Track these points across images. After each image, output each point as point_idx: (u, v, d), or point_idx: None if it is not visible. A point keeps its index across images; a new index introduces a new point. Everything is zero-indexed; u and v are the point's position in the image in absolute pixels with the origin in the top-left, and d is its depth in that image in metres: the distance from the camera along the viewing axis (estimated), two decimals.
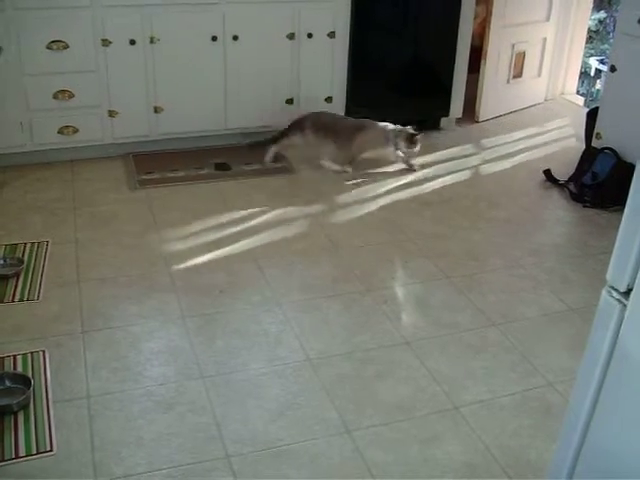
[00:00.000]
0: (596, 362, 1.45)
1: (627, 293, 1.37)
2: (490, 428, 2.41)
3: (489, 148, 4.80)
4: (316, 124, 4.30)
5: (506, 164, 4.54)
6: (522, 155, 4.69)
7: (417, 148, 4.29)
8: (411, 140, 4.25)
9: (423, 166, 4.41)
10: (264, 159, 4.37)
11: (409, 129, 4.27)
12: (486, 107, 5.22)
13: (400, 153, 4.33)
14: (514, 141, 4.90)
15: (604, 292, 1.42)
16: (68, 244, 3.43)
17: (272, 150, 4.37)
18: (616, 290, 1.39)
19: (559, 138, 5.01)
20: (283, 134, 4.35)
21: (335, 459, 2.27)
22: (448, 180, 4.28)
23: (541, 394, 2.58)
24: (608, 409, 1.46)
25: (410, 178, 4.29)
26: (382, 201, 3.99)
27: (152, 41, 4.13)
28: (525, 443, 2.35)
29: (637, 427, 1.39)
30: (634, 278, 1.34)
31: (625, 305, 1.37)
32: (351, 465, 2.25)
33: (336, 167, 4.33)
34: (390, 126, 4.32)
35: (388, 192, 4.11)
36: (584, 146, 4.40)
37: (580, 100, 5.82)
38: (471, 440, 2.36)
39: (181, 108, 4.35)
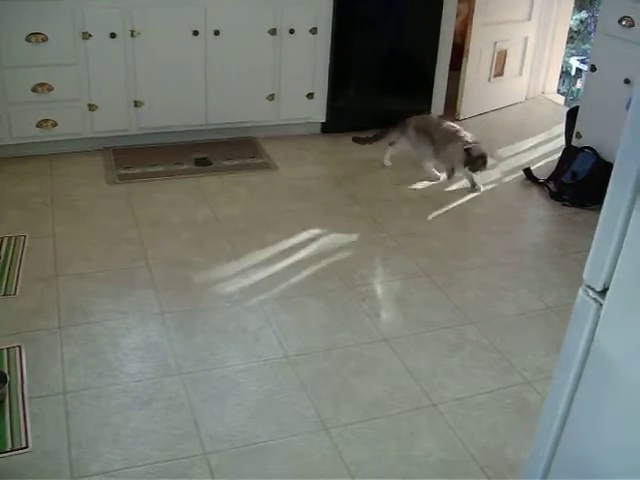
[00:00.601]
0: (572, 361, 1.46)
1: (603, 292, 1.37)
2: (468, 426, 2.42)
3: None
4: (419, 125, 4.26)
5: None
6: (502, 153, 4.71)
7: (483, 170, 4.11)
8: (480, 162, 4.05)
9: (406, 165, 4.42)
10: (383, 161, 4.39)
11: (479, 148, 4.07)
12: (467, 105, 5.24)
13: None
14: (494, 140, 4.92)
15: (580, 291, 1.43)
16: (46, 239, 3.41)
17: (388, 153, 4.38)
18: (592, 289, 1.40)
19: (539, 137, 5.03)
20: (383, 132, 4.38)
21: (313, 456, 2.27)
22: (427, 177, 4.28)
23: (519, 392, 2.59)
24: (584, 408, 1.47)
25: (390, 173, 4.29)
26: (361, 198, 3.99)
27: (133, 35, 4.10)
28: (502, 441, 2.37)
29: (612, 426, 1.40)
30: (610, 278, 1.34)
31: (601, 304, 1.38)
32: (329, 462, 2.25)
33: (435, 174, 4.26)
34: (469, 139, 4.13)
35: (367, 189, 4.11)
36: (564, 145, 4.42)
37: (561, 99, 5.84)
38: (449, 438, 2.37)
39: (161, 102, 4.32)
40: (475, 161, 4.03)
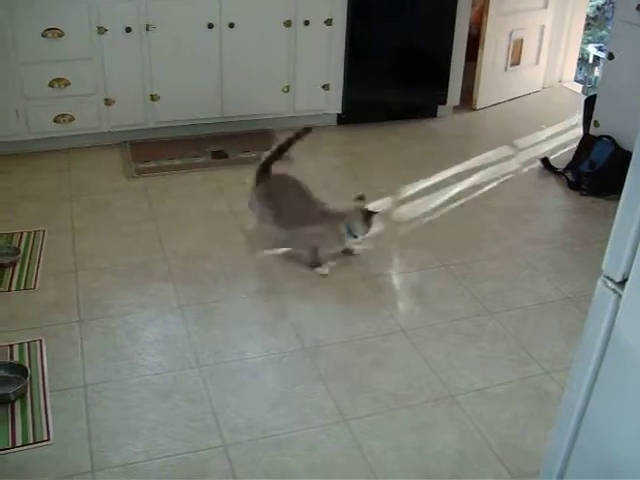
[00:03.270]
0: (591, 352, 1.45)
1: (622, 283, 1.36)
2: (486, 416, 2.42)
3: (486, 136, 4.78)
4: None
5: (503, 152, 4.53)
6: (520, 143, 4.68)
7: (371, 230, 3.26)
8: (367, 220, 3.20)
9: (422, 155, 4.41)
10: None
11: (363, 206, 3.26)
12: (484, 95, 5.21)
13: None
14: (511, 129, 4.89)
15: (599, 282, 1.42)
16: (65, 233, 3.43)
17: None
18: (611, 280, 1.39)
19: (557, 126, 5.00)
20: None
21: (332, 448, 2.28)
22: (444, 168, 4.26)
23: (537, 382, 2.58)
24: (603, 398, 1.46)
25: (407, 164, 4.28)
26: (378, 190, 3.97)
27: (148, 29, 4.11)
28: (521, 431, 2.36)
29: (631, 416, 1.39)
30: (629, 268, 1.33)
31: (620, 295, 1.37)
32: (348, 454, 2.26)
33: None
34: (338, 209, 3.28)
35: (383, 179, 4.10)
36: (582, 134, 4.39)
37: (578, 87, 5.80)
38: (467, 428, 2.37)
39: (177, 96, 4.33)
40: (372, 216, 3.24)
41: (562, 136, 4.78)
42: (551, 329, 2.88)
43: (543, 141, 4.70)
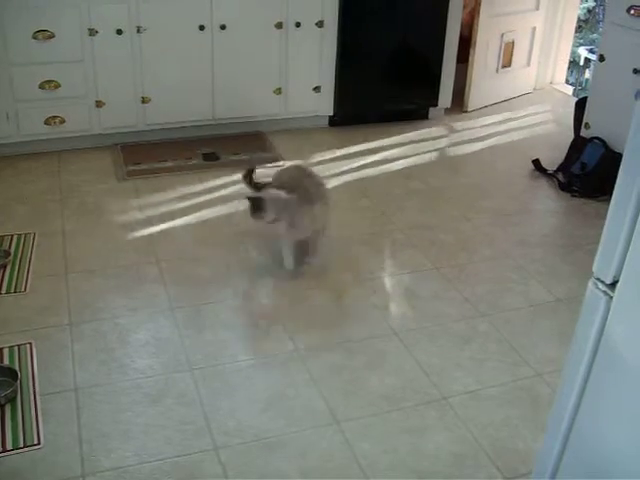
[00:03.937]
0: (582, 354, 1.45)
1: (613, 285, 1.37)
2: (478, 418, 2.42)
3: (477, 138, 4.79)
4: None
5: (495, 154, 4.54)
6: (511, 145, 4.69)
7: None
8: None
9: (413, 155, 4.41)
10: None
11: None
12: (475, 97, 5.21)
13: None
14: (503, 131, 4.90)
15: (590, 284, 1.42)
16: (55, 235, 3.41)
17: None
18: (602, 282, 1.39)
19: (548, 128, 5.01)
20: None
21: (324, 450, 2.27)
22: (436, 170, 4.27)
23: (529, 385, 2.58)
24: (594, 400, 1.46)
25: (398, 166, 4.28)
26: (370, 191, 3.98)
27: (139, 31, 4.10)
28: (513, 433, 2.36)
29: (622, 417, 1.39)
30: (620, 270, 1.34)
31: (611, 297, 1.37)
32: (340, 456, 2.25)
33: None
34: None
35: (376, 182, 4.10)
36: (573, 136, 4.40)
37: (569, 89, 5.82)
38: (459, 430, 2.37)
39: (168, 98, 4.32)
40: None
41: (553, 138, 4.78)
42: (543, 331, 2.89)
43: (534, 143, 4.71)
